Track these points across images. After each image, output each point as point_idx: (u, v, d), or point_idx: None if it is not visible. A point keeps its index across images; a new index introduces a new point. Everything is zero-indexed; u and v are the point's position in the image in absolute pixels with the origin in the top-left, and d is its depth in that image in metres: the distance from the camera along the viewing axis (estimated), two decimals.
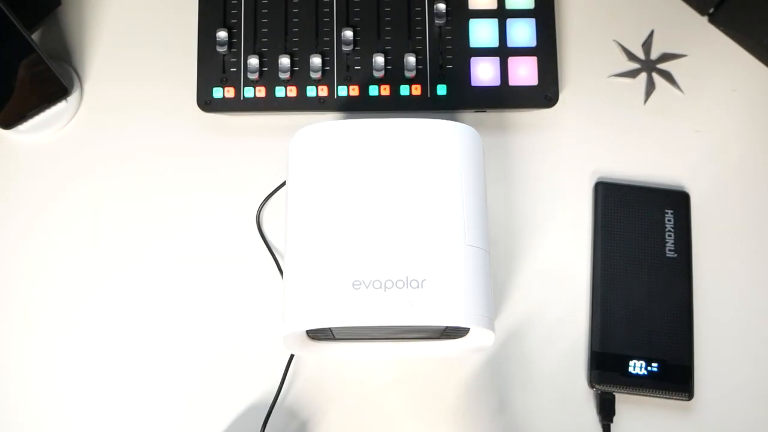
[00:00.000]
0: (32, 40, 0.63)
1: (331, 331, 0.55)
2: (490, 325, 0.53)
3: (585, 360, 0.62)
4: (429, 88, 0.65)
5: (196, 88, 0.66)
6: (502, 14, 0.66)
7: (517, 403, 0.61)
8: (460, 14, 0.66)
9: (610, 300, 0.62)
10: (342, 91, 0.65)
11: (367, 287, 0.51)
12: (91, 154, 0.67)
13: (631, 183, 0.65)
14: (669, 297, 0.62)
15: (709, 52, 0.69)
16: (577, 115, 0.68)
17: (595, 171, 0.66)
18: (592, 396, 0.61)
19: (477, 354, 0.60)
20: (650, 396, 0.60)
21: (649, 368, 0.60)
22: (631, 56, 0.69)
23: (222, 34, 0.65)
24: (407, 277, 0.51)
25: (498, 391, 0.61)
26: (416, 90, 0.65)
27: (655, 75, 0.69)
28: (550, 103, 0.66)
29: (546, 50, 0.66)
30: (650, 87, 0.69)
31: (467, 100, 0.65)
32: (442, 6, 0.65)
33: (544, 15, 0.66)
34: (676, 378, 0.60)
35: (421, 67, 0.66)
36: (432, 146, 0.55)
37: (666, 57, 0.69)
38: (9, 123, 0.67)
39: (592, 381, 0.61)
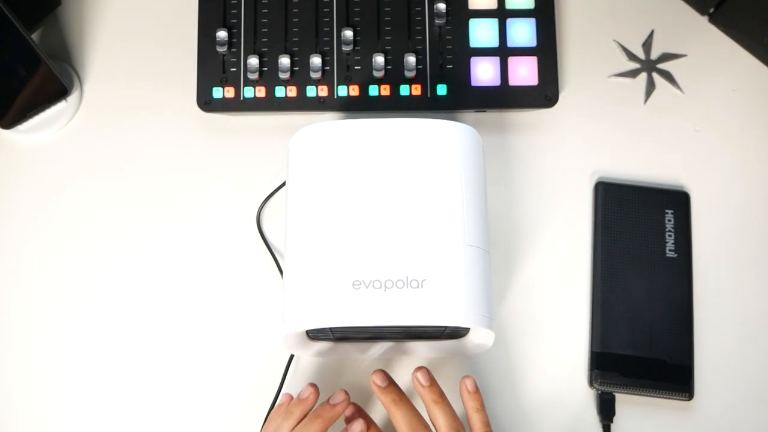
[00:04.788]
0: (32, 40, 0.63)
1: (331, 331, 0.55)
2: (490, 325, 0.53)
3: (585, 360, 0.62)
4: (429, 88, 0.65)
5: (196, 88, 0.66)
6: (502, 14, 0.66)
7: (518, 403, 0.61)
8: (460, 14, 0.66)
9: (610, 300, 0.62)
10: (342, 91, 0.65)
11: (367, 287, 0.51)
12: (91, 154, 0.67)
13: (631, 183, 0.65)
14: (669, 297, 0.62)
15: (709, 52, 0.69)
16: (577, 115, 0.68)
17: (595, 171, 0.66)
18: (592, 396, 0.61)
19: (477, 354, 0.60)
20: (650, 396, 0.60)
21: (649, 368, 0.60)
22: (631, 56, 0.69)
23: (222, 34, 0.65)
24: (407, 277, 0.51)
25: (498, 392, 0.61)
26: (416, 90, 0.65)
27: (655, 75, 0.69)
28: (550, 103, 0.66)
29: (546, 50, 0.66)
30: (650, 87, 0.68)
31: (467, 100, 0.65)
32: (442, 6, 0.65)
33: (544, 15, 0.66)
34: (676, 378, 0.60)
35: (421, 67, 0.66)
36: (432, 146, 0.55)
37: (666, 57, 0.69)
38: (9, 123, 0.67)
39: (592, 381, 0.61)
